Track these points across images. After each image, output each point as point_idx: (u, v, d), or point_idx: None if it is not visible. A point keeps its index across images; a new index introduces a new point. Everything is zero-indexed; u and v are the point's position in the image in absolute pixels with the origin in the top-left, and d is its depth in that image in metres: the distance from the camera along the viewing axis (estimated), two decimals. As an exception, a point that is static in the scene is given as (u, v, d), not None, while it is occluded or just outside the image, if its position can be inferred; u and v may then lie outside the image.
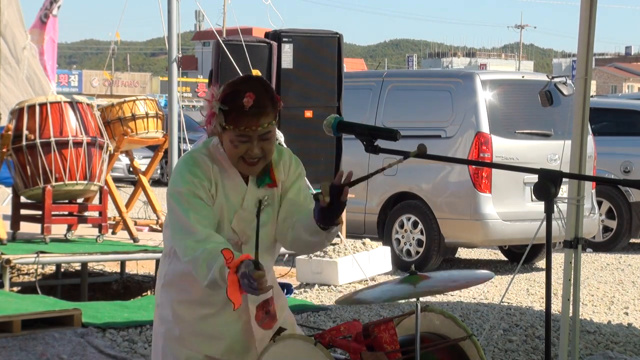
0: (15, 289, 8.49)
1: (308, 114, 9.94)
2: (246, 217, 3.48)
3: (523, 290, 9.99)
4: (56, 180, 8.53)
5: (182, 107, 9.55)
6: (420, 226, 10.98)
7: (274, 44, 9.57)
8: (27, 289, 8.54)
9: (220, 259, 3.19)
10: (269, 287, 3.17)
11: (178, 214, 3.39)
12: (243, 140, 3.38)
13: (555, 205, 3.38)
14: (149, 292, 9.03)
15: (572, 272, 5.47)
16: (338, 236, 9.81)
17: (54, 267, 9.26)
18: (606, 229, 13.11)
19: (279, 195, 3.56)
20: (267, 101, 3.38)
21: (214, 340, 3.53)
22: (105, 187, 8.97)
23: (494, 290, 9.69)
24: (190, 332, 3.54)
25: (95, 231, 9.08)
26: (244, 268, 3.13)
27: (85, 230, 9.46)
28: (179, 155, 9.35)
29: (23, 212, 8.94)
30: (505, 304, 8.90)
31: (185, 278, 3.50)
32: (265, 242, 3.50)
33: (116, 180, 13.64)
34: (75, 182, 8.61)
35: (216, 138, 3.49)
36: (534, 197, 3.92)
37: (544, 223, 3.39)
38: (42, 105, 8.60)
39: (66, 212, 8.95)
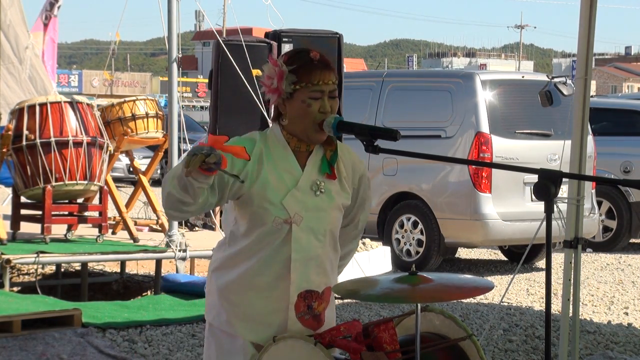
0: (15, 289, 8.49)
1: (308, 114, 9.93)
2: (300, 198, 3.47)
3: (523, 290, 9.99)
4: (56, 180, 8.53)
5: (182, 107, 9.54)
6: (420, 226, 10.99)
7: (274, 44, 9.56)
8: (27, 289, 8.54)
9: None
10: (214, 164, 3.13)
11: None
12: (316, 96, 3.44)
13: (555, 205, 3.37)
14: (149, 292, 9.03)
15: (572, 272, 5.47)
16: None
17: (54, 267, 9.25)
18: (606, 229, 13.12)
19: (345, 191, 3.57)
20: (329, 60, 3.49)
21: (261, 327, 3.49)
22: (105, 187, 8.97)
23: (494, 290, 9.68)
24: (238, 316, 3.51)
25: (95, 231, 9.08)
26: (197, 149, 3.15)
27: (85, 230, 9.45)
28: (179, 155, 9.34)
29: (23, 212, 8.93)
30: (505, 304, 8.91)
31: (233, 260, 3.50)
32: (320, 229, 3.51)
33: (116, 180, 13.64)
34: (75, 182, 8.61)
35: (271, 126, 3.53)
36: (534, 197, 3.92)
37: (544, 223, 3.39)
38: (42, 105, 8.60)
39: (66, 212, 8.94)
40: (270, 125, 3.59)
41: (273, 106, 3.57)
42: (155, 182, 21.97)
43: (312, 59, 3.46)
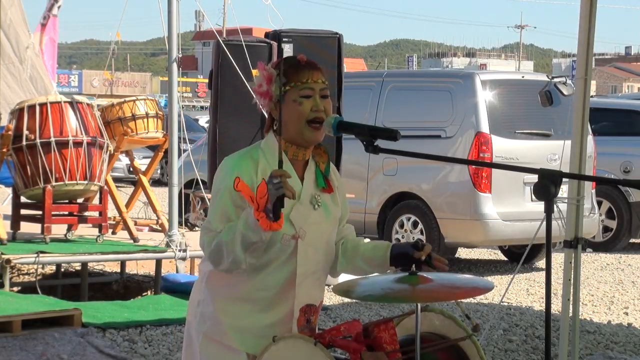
0: (15, 289, 8.49)
1: (308, 114, 9.92)
2: (303, 212, 3.47)
3: (523, 290, 9.99)
4: (56, 180, 8.53)
5: (182, 107, 9.54)
6: (420, 226, 10.98)
7: (274, 44, 9.56)
8: (27, 289, 8.54)
9: (242, 219, 3.26)
10: (292, 190, 3.19)
11: (214, 205, 3.43)
12: (307, 94, 3.44)
13: (555, 205, 3.37)
14: (149, 292, 9.03)
15: (572, 272, 5.47)
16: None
17: (54, 267, 9.25)
18: (606, 229, 13.12)
19: (336, 203, 3.58)
20: (315, 62, 3.48)
21: (259, 340, 3.48)
22: (105, 187, 8.97)
23: (494, 290, 9.67)
24: (235, 328, 3.49)
25: (95, 231, 9.08)
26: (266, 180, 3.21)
27: (85, 230, 9.45)
28: (179, 155, 9.35)
29: (23, 212, 8.94)
30: (505, 304, 8.91)
31: (234, 276, 3.46)
32: (319, 242, 3.51)
33: (116, 180, 13.63)
34: (75, 182, 8.61)
35: (266, 138, 3.50)
36: (534, 197, 3.91)
37: (544, 223, 3.39)
38: (42, 105, 8.60)
39: (66, 212, 8.94)
40: (265, 137, 3.54)
41: (267, 115, 3.55)
42: (155, 182, 21.99)
43: (298, 60, 3.48)
